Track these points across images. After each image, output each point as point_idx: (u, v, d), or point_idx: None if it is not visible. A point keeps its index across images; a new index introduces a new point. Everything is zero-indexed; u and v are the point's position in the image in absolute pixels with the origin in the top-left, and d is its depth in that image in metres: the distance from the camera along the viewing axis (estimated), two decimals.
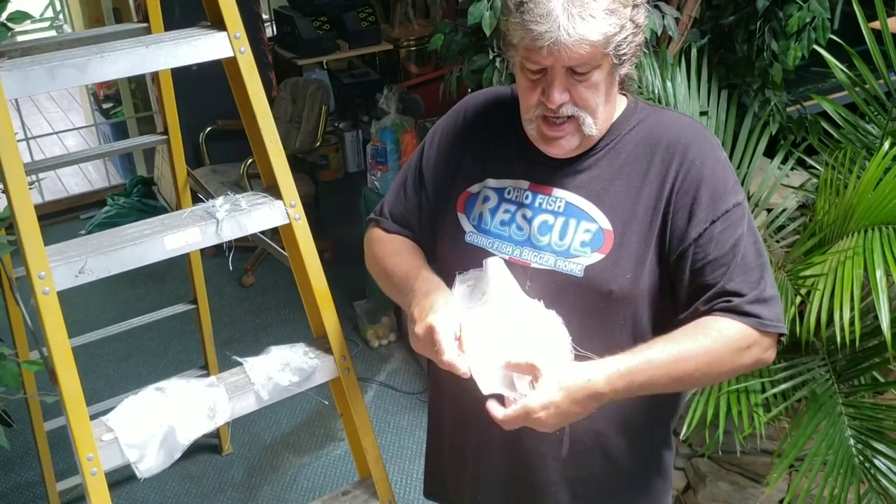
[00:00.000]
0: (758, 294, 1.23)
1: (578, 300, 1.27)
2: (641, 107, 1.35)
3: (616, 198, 1.28)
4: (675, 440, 1.51)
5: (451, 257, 1.39)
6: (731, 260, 1.23)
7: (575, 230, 1.28)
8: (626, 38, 1.19)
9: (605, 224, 1.27)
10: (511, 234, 1.33)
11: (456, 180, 1.40)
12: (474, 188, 1.38)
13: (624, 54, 1.21)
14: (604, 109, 1.26)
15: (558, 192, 1.31)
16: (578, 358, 1.23)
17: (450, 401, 1.47)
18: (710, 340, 1.21)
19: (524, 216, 1.32)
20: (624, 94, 1.35)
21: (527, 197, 1.33)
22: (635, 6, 1.20)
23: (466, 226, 1.37)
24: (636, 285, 1.26)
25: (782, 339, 1.29)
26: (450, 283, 1.32)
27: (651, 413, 1.39)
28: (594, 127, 1.25)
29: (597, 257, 1.26)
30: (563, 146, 1.27)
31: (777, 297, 1.27)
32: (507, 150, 1.37)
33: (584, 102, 1.22)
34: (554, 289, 1.28)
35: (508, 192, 1.35)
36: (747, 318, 1.22)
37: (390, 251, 1.45)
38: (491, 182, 1.37)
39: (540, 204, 1.32)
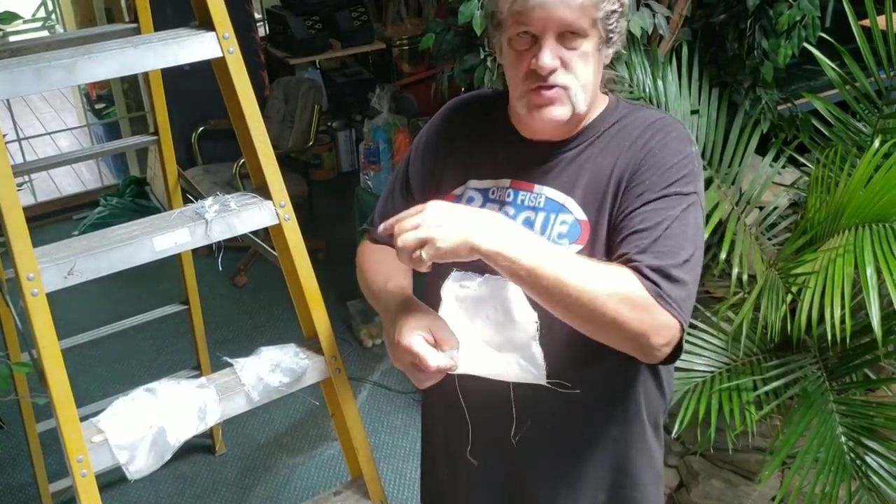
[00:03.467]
0: (663, 266, 1.17)
1: None
2: (623, 105, 1.36)
3: (587, 187, 1.29)
4: (666, 437, 1.51)
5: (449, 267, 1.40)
6: (650, 233, 1.20)
7: (555, 223, 1.30)
8: (613, 11, 1.22)
9: (581, 215, 1.28)
10: (636, 227, 1.31)
11: (442, 184, 1.41)
12: (458, 190, 1.39)
13: (611, 30, 1.24)
14: (592, 87, 1.27)
15: (539, 188, 1.32)
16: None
17: (440, 407, 1.48)
18: (608, 270, 1.17)
19: (507, 214, 1.32)
20: (606, 93, 1.36)
21: (509, 195, 1.34)
22: None
23: None
24: None
25: (682, 341, 1.20)
26: (436, 284, 1.32)
27: (636, 405, 1.39)
28: (582, 102, 1.26)
29: (574, 248, 1.27)
30: (553, 114, 1.26)
31: (689, 287, 1.20)
32: (490, 151, 1.38)
33: (575, 70, 1.24)
34: None
35: (492, 192, 1.36)
36: (647, 281, 1.16)
37: (372, 265, 1.46)
38: (473, 183, 1.38)
39: (522, 201, 1.33)
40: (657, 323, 1.15)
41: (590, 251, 1.27)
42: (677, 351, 1.21)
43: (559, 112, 1.26)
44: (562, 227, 1.29)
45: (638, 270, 1.17)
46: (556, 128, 1.30)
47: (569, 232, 1.28)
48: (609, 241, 1.26)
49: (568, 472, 1.41)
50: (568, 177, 1.31)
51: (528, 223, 1.31)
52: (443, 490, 1.57)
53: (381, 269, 1.41)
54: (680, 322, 1.17)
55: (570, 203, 1.29)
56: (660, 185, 1.23)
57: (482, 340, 1.27)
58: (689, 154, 1.27)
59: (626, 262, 1.19)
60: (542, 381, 1.27)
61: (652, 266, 1.17)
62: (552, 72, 1.22)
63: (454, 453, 1.47)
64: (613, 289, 1.14)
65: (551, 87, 1.24)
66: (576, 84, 1.24)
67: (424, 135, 1.49)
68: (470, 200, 1.37)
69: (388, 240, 1.43)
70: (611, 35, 1.25)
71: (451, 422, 1.45)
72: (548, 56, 1.21)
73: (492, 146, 1.37)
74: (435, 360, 1.19)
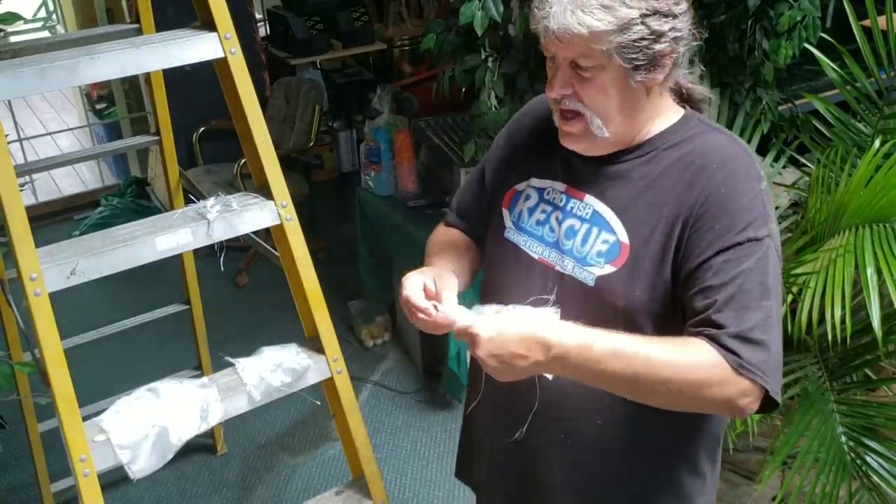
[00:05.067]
0: (742, 332, 1.15)
1: (587, 309, 1.26)
2: (694, 124, 1.30)
3: (639, 213, 1.26)
4: (715, 470, 1.46)
5: (491, 250, 1.44)
6: (725, 290, 1.17)
7: (595, 239, 1.28)
8: (634, 41, 1.17)
9: (624, 238, 1.26)
10: (544, 234, 1.35)
11: (508, 177, 1.43)
12: (520, 186, 1.40)
13: (635, 59, 1.18)
14: (621, 116, 1.24)
15: (589, 199, 1.31)
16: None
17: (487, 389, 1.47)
18: (682, 354, 1.15)
19: (557, 218, 1.33)
20: (684, 106, 1.33)
21: (562, 199, 1.34)
22: (656, 13, 1.17)
23: (507, 222, 1.40)
24: (643, 303, 1.24)
25: (772, 398, 1.18)
26: (495, 275, 1.41)
27: (662, 433, 1.35)
28: (605, 130, 1.24)
29: (609, 269, 1.26)
30: (573, 143, 1.28)
31: (769, 347, 1.16)
32: (554, 151, 1.37)
33: (589, 101, 1.22)
34: (569, 294, 1.29)
35: (548, 193, 1.36)
36: (726, 352, 1.14)
37: (431, 246, 1.52)
38: (535, 182, 1.39)
39: (572, 208, 1.32)
40: (738, 390, 1.14)
41: (623, 275, 1.25)
42: (768, 404, 1.20)
43: (577, 142, 1.27)
44: (602, 246, 1.28)
45: (715, 340, 1.15)
46: (589, 149, 1.29)
47: (608, 251, 1.27)
48: (674, 283, 1.24)
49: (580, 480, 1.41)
50: (620, 194, 1.29)
51: (572, 231, 1.31)
52: (470, 461, 1.62)
53: (437, 247, 1.48)
54: (763, 384, 1.15)
55: (616, 223, 1.28)
56: (731, 230, 1.19)
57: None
58: (758, 193, 1.22)
59: (702, 324, 1.17)
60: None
61: (730, 333, 1.15)
62: (562, 98, 1.24)
63: (482, 433, 1.53)
64: (692, 374, 1.13)
65: (570, 111, 1.24)
66: (593, 114, 1.23)
67: (506, 125, 1.52)
68: (527, 198, 1.38)
69: (458, 220, 1.54)
70: (636, 63, 1.19)
71: (488, 404, 1.47)
72: (556, 83, 1.23)
73: (556, 146, 1.35)
74: (415, 299, 1.23)
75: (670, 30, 1.19)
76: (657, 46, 1.19)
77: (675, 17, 1.20)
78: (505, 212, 1.41)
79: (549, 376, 1.26)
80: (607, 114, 1.23)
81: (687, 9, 1.23)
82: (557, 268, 1.31)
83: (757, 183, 1.23)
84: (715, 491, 1.47)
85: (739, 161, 1.24)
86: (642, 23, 1.17)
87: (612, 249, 1.27)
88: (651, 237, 1.24)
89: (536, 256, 1.34)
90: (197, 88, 3.37)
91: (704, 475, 1.42)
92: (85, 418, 1.43)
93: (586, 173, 1.32)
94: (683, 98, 1.34)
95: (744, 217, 1.19)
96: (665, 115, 1.29)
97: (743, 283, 1.17)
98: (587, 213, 1.30)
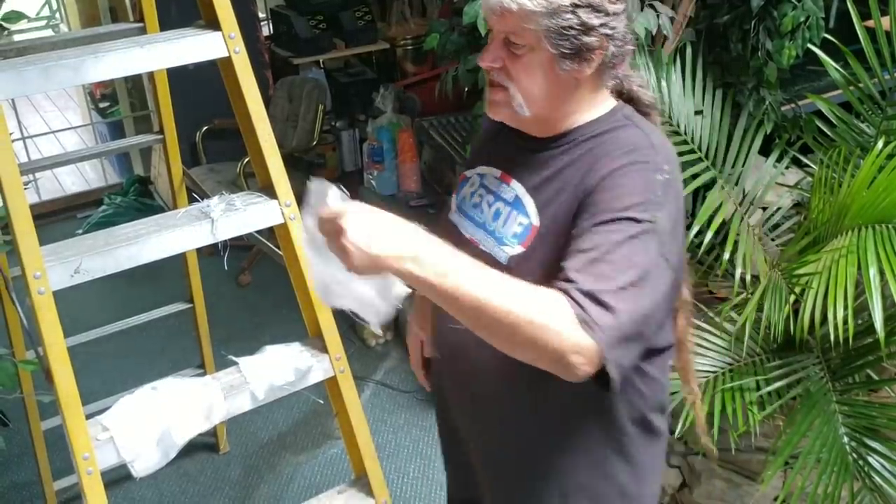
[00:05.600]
0: (594, 291, 1.12)
1: None
2: (618, 118, 1.33)
3: (548, 197, 1.31)
4: (669, 437, 1.49)
5: (438, 231, 1.45)
6: (589, 255, 1.16)
7: (514, 221, 1.34)
8: (563, 27, 1.21)
9: (535, 220, 1.32)
10: (475, 215, 1.41)
11: (468, 164, 1.51)
12: (469, 173, 1.48)
13: (562, 46, 1.22)
14: (544, 100, 1.28)
15: (514, 184, 1.37)
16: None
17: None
18: (533, 293, 1.11)
19: (488, 202, 1.40)
20: (623, 102, 1.36)
21: (495, 184, 1.41)
22: (588, 6, 1.21)
23: (452, 205, 1.48)
24: (546, 282, 1.21)
25: (609, 375, 1.13)
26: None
27: (603, 397, 1.32)
28: (525, 109, 1.29)
29: (519, 249, 1.32)
30: (495, 112, 1.33)
31: (619, 316, 1.12)
32: (499, 138, 1.44)
33: (515, 78, 1.27)
34: None
35: (486, 179, 1.43)
36: (573, 303, 1.11)
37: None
38: (480, 169, 1.45)
39: (500, 192, 1.38)
40: (573, 343, 1.10)
41: (528, 255, 1.30)
42: (606, 378, 1.14)
43: (496, 111, 1.32)
44: (518, 228, 1.33)
45: (567, 292, 1.13)
46: (511, 120, 1.34)
47: (521, 233, 1.32)
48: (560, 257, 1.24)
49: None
50: (539, 179, 1.34)
51: (497, 214, 1.37)
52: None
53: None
54: (600, 346, 1.11)
55: (531, 207, 1.33)
56: (613, 208, 1.20)
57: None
58: (654, 181, 1.23)
59: (560, 279, 1.16)
60: (379, 319, 1.21)
61: (582, 289, 1.13)
62: (491, 70, 1.29)
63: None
64: (536, 312, 1.10)
65: (497, 84, 1.29)
66: (514, 89, 1.28)
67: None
68: (472, 184, 1.45)
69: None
70: (563, 49, 1.22)
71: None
72: (487, 53, 1.28)
73: (500, 134, 1.42)
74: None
75: (601, 25, 1.23)
76: (585, 38, 1.23)
77: (608, 14, 1.23)
78: (453, 196, 1.49)
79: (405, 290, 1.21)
80: (531, 94, 1.28)
81: (623, 11, 1.27)
82: (482, 246, 1.37)
83: (657, 174, 1.23)
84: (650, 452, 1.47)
85: (644, 151, 1.27)
86: (573, 11, 1.20)
87: (525, 231, 1.32)
88: (554, 220, 1.29)
89: (468, 236, 1.40)
90: (200, 87, 3.37)
91: (654, 432, 1.45)
92: (88, 416, 1.43)
93: (518, 160, 1.38)
94: (625, 100, 1.38)
95: (629, 199, 1.20)
96: (596, 109, 1.34)
97: (608, 253, 1.16)
98: (511, 197, 1.36)
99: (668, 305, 1.26)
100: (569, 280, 1.15)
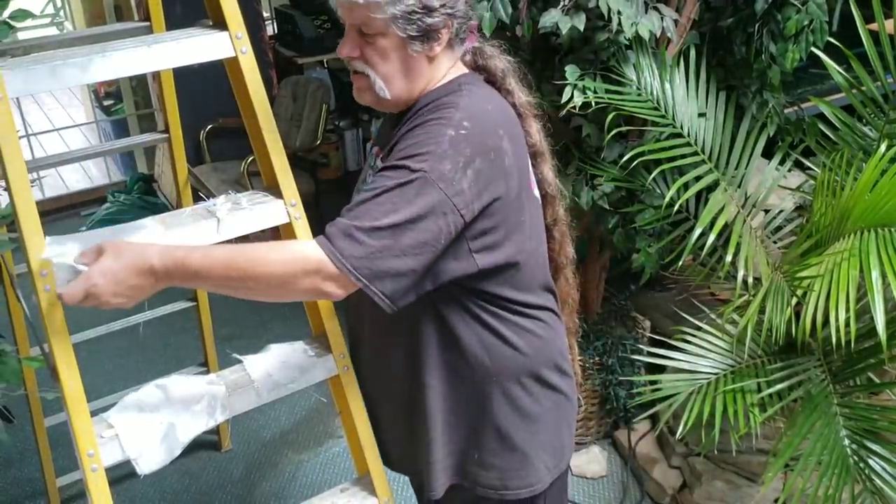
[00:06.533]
0: (352, 226, 1.27)
1: None
2: (454, 86, 1.42)
3: (388, 160, 1.40)
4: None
5: None
6: (361, 195, 1.31)
7: None
8: (407, 13, 1.31)
9: None
10: (362, 188, 1.51)
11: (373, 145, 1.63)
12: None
13: (409, 30, 1.33)
14: (401, 80, 1.39)
15: (380, 156, 1.48)
16: None
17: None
18: (272, 245, 1.30)
19: (369, 175, 1.51)
20: (473, 71, 1.48)
21: (372, 160, 1.53)
22: None
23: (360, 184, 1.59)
24: None
25: (363, 286, 1.28)
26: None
27: (498, 351, 1.48)
28: (386, 92, 1.40)
29: None
30: (361, 97, 1.44)
31: (364, 247, 1.26)
32: (386, 121, 1.58)
33: (371, 63, 1.38)
34: None
35: (370, 155, 1.55)
36: (323, 239, 1.28)
37: None
38: (373, 148, 1.57)
39: (374, 165, 1.50)
40: (326, 275, 1.27)
41: None
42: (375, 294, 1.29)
43: (361, 96, 1.43)
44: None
45: (326, 229, 1.28)
46: (376, 104, 1.44)
47: None
48: None
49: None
50: (388, 148, 1.43)
51: (369, 184, 1.43)
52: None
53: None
54: (343, 272, 1.26)
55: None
56: (397, 156, 1.32)
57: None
58: (442, 135, 1.31)
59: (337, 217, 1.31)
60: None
61: (339, 225, 1.28)
62: (351, 59, 1.40)
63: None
64: (273, 259, 1.29)
65: (358, 72, 1.41)
66: (374, 74, 1.38)
67: None
68: (369, 163, 1.56)
69: None
70: (411, 33, 1.34)
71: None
72: (344, 46, 1.39)
73: (386, 115, 1.56)
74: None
75: (441, 6, 1.35)
76: (429, 20, 1.34)
77: None
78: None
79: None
80: (389, 77, 1.39)
81: None
82: None
83: (448, 129, 1.32)
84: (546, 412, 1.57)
85: (445, 110, 1.36)
86: None
87: None
88: None
89: None
90: (205, 86, 3.38)
91: (554, 387, 1.56)
92: (92, 413, 1.44)
93: (384, 134, 1.53)
94: (480, 70, 1.50)
95: (413, 149, 1.31)
96: (444, 79, 1.43)
97: (377, 196, 1.28)
98: (377, 168, 1.45)
99: (437, 249, 1.32)
100: (340, 216, 1.30)
